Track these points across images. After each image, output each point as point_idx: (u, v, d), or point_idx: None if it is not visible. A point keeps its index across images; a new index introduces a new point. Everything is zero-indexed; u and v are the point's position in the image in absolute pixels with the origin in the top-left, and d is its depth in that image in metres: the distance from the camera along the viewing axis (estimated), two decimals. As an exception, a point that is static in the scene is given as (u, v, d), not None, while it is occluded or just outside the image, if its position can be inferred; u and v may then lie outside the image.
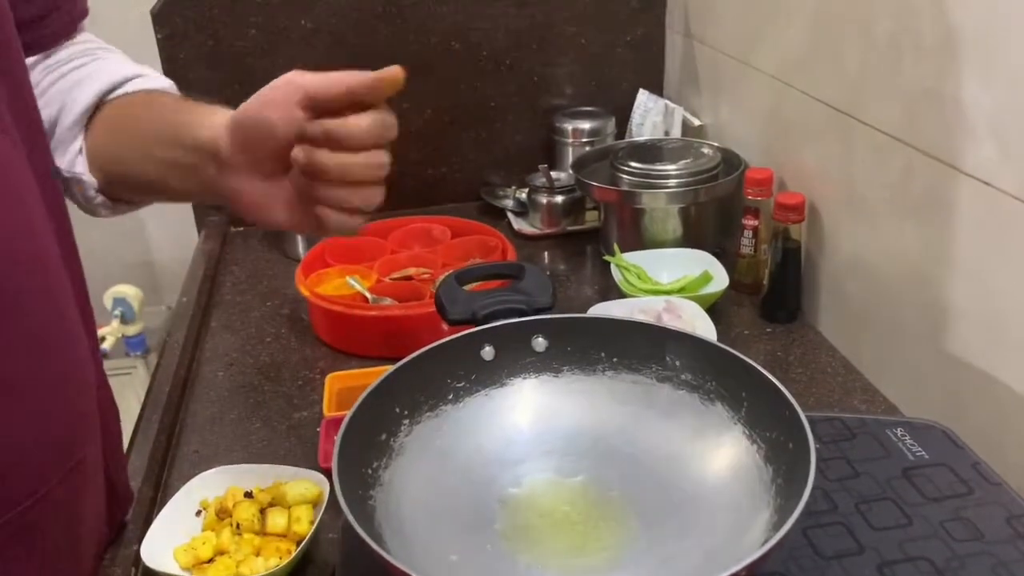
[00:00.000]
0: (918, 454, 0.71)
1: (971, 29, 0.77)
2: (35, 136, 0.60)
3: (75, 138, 0.71)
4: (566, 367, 0.69)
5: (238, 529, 0.76)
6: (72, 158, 0.72)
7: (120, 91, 0.73)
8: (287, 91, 0.59)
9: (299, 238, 1.33)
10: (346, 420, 0.58)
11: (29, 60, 0.67)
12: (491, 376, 0.68)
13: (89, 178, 0.72)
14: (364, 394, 0.61)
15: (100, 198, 0.73)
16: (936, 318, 0.86)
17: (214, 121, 0.65)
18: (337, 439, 0.56)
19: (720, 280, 1.10)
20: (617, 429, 0.66)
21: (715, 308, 1.09)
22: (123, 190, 0.73)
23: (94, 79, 0.72)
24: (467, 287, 0.73)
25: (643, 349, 0.67)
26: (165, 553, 0.74)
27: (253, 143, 0.62)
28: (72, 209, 0.68)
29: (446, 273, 0.79)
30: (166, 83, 0.76)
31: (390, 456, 0.62)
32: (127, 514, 0.79)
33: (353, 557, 0.68)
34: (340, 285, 1.14)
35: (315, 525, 0.76)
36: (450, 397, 0.67)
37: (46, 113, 0.70)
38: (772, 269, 1.08)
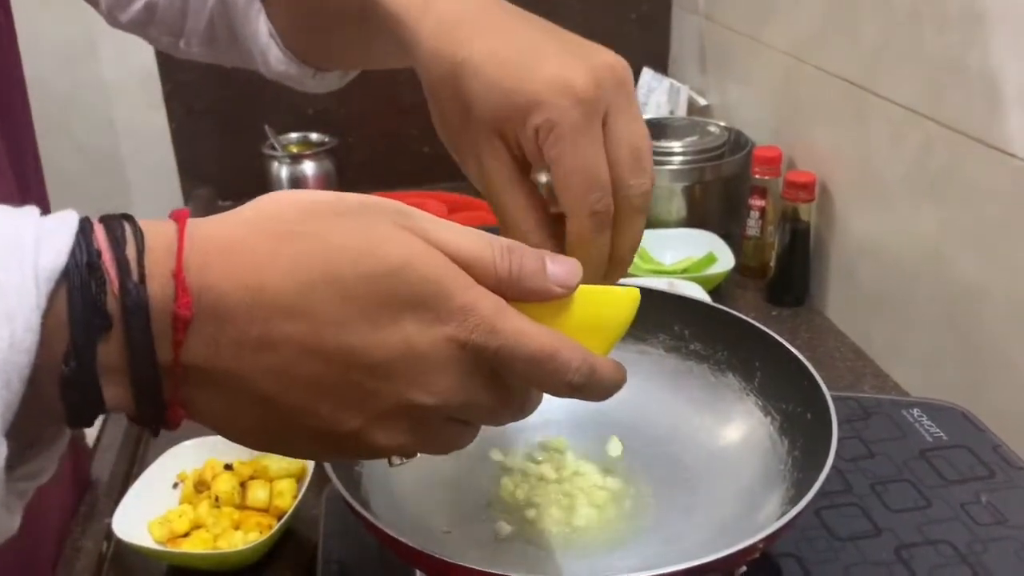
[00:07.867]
0: (936, 435, 0.67)
1: (999, -6, 0.73)
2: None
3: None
4: (568, 336, 0.65)
5: (217, 502, 0.72)
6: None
7: None
8: None
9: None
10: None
11: None
12: (488, 344, 0.64)
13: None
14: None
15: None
16: (954, 300, 0.82)
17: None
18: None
19: (725, 261, 1.06)
20: (621, 401, 0.62)
21: (719, 291, 1.06)
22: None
23: None
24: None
25: (650, 317, 0.63)
26: (139, 526, 0.70)
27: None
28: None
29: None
30: None
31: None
32: (88, 470, 0.75)
33: (337, 532, 0.64)
34: (331, 258, 1.10)
35: (298, 500, 0.72)
36: (444, 364, 0.62)
37: None
38: (779, 251, 1.05)
